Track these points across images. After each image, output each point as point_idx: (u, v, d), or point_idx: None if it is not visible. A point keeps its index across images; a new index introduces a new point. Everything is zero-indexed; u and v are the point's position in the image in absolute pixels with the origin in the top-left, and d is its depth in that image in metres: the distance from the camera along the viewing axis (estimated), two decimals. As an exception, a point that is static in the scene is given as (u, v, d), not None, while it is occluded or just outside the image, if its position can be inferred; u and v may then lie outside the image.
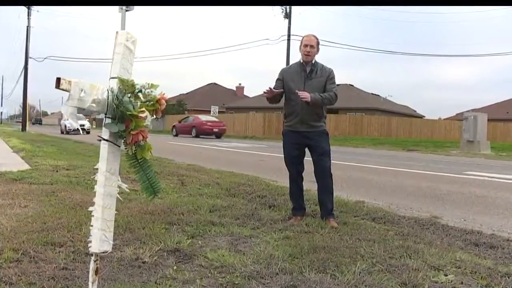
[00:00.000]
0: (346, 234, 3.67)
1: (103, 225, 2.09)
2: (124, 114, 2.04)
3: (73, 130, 29.75)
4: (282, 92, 4.24)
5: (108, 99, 2.02)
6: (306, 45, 4.14)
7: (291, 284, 2.56)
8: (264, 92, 4.13)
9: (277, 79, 4.30)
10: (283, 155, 4.38)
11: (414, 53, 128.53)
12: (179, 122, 31.48)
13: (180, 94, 56.16)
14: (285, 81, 4.23)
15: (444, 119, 46.04)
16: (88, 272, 2.21)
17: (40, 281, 2.48)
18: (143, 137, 2.11)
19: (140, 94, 2.12)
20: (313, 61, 4.18)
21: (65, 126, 30.70)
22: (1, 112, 75.09)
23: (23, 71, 33.55)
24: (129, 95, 2.08)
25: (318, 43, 4.21)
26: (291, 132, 4.25)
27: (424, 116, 48.66)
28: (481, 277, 2.75)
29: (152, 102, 2.16)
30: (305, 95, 4.01)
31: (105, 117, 2.08)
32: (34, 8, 32.96)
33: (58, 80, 1.85)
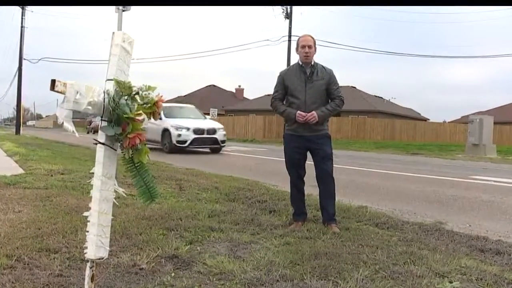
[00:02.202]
0: (348, 240, 3.67)
1: (99, 230, 2.09)
2: (121, 116, 2.05)
3: (192, 142, 14.48)
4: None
5: (104, 101, 2.03)
6: (304, 46, 4.14)
7: (292, 291, 2.55)
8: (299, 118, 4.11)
9: (278, 84, 4.29)
10: (284, 159, 4.38)
11: (418, 54, 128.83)
12: (90, 122, 40.56)
13: (178, 97, 56.15)
14: (286, 84, 4.23)
15: (449, 122, 46.05)
16: (83, 279, 2.21)
17: (34, 288, 2.48)
18: (140, 140, 2.12)
19: (137, 96, 2.13)
20: (312, 62, 4.18)
21: (176, 133, 14.42)
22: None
23: (17, 73, 33.59)
24: (125, 97, 2.08)
25: (315, 43, 4.21)
26: (293, 135, 4.25)
27: (428, 119, 48.67)
28: (487, 284, 2.75)
29: (149, 105, 2.17)
30: (313, 117, 4.04)
31: (101, 120, 2.08)
32: (28, 8, 33.04)
33: (53, 82, 1.85)
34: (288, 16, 30.35)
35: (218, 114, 37.90)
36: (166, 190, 5.94)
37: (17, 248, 3.11)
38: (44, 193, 5.33)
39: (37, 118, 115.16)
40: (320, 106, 4.14)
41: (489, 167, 12.71)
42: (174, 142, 14.33)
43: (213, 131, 14.94)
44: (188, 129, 14.48)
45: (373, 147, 22.94)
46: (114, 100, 2.03)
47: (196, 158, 12.61)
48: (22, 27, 32.73)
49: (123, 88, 2.08)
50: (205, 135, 14.74)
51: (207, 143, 14.99)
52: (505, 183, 8.46)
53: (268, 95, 38.28)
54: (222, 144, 15.27)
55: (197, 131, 14.59)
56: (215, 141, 14.95)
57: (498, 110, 44.71)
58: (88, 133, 38.64)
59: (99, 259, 2.12)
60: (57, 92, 1.87)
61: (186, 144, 14.41)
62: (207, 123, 15.63)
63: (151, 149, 10.90)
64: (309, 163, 4.28)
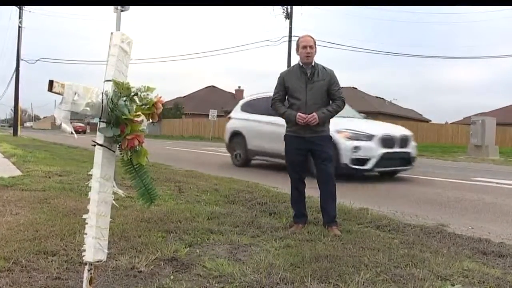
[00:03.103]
0: (349, 242, 3.67)
1: (97, 233, 2.09)
2: (119, 118, 2.05)
3: (379, 161, 8.23)
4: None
5: (102, 102, 2.03)
6: (305, 46, 4.14)
7: (292, 294, 2.55)
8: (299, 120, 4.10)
9: (278, 85, 4.30)
10: (284, 161, 4.38)
11: (420, 55, 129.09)
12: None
13: (178, 98, 56.21)
14: (286, 85, 4.24)
15: (451, 123, 45.96)
16: (82, 282, 2.21)
17: (31, 291, 2.47)
18: (139, 142, 2.12)
19: (135, 98, 2.13)
20: (313, 63, 4.19)
21: (351, 145, 8.11)
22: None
23: (15, 74, 33.59)
24: (124, 98, 2.09)
25: (315, 43, 4.22)
26: (294, 137, 4.25)
27: (430, 120, 48.66)
28: (489, 287, 2.75)
29: (148, 106, 2.17)
30: (313, 119, 4.04)
31: (100, 121, 2.09)
32: (26, 8, 33.05)
33: (51, 83, 1.86)
34: (289, 16, 30.35)
35: (218, 116, 37.95)
36: (165, 192, 5.94)
37: (14, 250, 3.11)
38: (42, 195, 5.32)
39: (34, 120, 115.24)
40: (321, 107, 4.14)
41: (492, 168, 12.70)
42: (346, 161, 8.14)
43: (405, 140, 8.84)
44: (370, 137, 8.33)
45: (375, 149, 22.88)
46: (112, 101, 2.04)
47: (196, 160, 12.62)
48: (19, 27, 32.73)
49: (122, 89, 2.08)
50: (396, 149, 8.55)
51: (396, 163, 8.78)
52: (508, 185, 8.45)
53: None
54: (413, 164, 9.10)
55: (386, 141, 8.42)
56: (407, 158, 8.85)
57: (501, 111, 44.68)
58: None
59: (98, 262, 2.12)
60: (55, 93, 1.88)
61: (369, 166, 8.27)
62: (390, 127, 9.75)
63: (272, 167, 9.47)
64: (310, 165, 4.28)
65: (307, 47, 4.13)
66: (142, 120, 2.13)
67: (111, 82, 2.09)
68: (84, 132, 52.17)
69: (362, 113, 11.42)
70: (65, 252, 3.15)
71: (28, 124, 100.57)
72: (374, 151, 8.20)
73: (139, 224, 4.00)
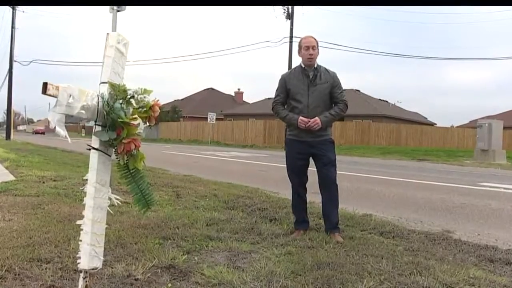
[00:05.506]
0: (352, 249, 3.67)
1: (92, 239, 2.09)
2: (115, 121, 2.05)
3: None
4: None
5: (98, 105, 2.03)
6: (307, 47, 4.13)
7: (293, 303, 2.55)
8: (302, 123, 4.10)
9: (279, 87, 4.29)
10: (285, 165, 4.38)
11: (424, 57, 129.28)
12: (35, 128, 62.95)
13: (175, 100, 56.31)
14: (288, 87, 4.23)
15: (457, 126, 46.05)
16: (76, 290, 2.21)
17: (25, 299, 2.47)
18: (135, 146, 2.12)
19: (132, 100, 2.14)
20: (315, 65, 4.19)
21: None
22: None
23: (7, 76, 33.65)
24: (120, 101, 2.09)
25: (318, 44, 4.22)
26: (295, 141, 4.24)
27: (435, 124, 48.72)
28: (497, 296, 2.75)
29: (145, 109, 2.17)
30: (315, 123, 4.04)
31: (95, 124, 2.09)
32: (20, 9, 33.14)
33: (45, 85, 1.86)
34: (290, 16, 30.44)
35: (217, 119, 38.01)
36: (162, 197, 5.94)
37: (7, 258, 3.10)
38: (35, 201, 5.32)
39: (28, 123, 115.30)
40: (323, 110, 4.14)
41: (499, 173, 12.70)
42: None
43: None
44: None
45: (378, 153, 22.94)
46: (108, 104, 2.04)
47: (194, 164, 12.62)
48: (12, 28, 32.80)
49: (118, 92, 2.09)
50: None
51: None
52: (515, 190, 8.44)
53: (269, 98, 38.26)
54: None
55: None
56: None
57: (508, 114, 44.69)
58: (33, 133, 50.14)
59: (93, 269, 2.12)
60: (49, 95, 1.88)
61: None
62: None
63: None
64: (312, 169, 4.28)
65: (309, 48, 4.12)
66: (139, 124, 2.13)
67: (107, 84, 2.09)
68: (43, 133, 58.64)
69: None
70: (60, 259, 3.15)
71: (21, 127, 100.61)
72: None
73: (136, 231, 3.99)
